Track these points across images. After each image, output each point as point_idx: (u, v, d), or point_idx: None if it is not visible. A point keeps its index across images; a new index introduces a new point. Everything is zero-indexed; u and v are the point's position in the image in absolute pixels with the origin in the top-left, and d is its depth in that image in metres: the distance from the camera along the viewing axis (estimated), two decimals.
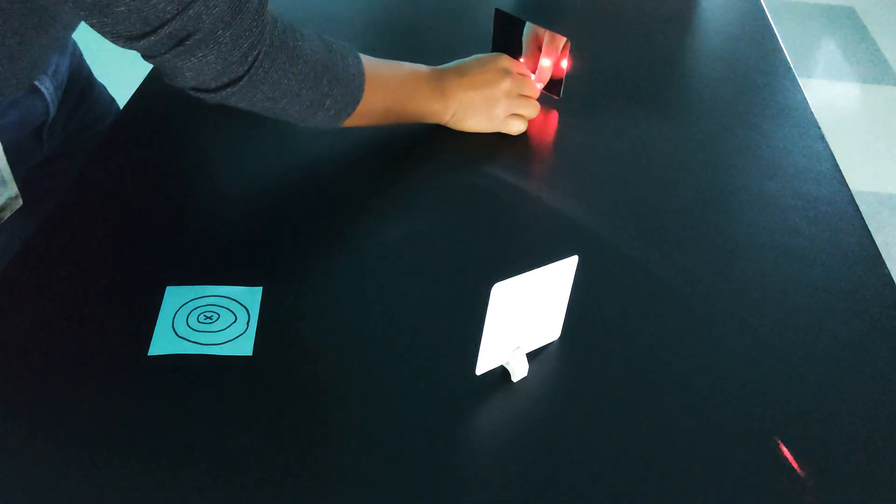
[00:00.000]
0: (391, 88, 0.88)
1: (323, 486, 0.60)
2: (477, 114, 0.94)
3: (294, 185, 0.88)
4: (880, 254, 0.82)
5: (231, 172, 0.91)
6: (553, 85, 0.99)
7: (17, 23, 0.73)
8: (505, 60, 0.96)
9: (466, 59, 0.96)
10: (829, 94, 2.89)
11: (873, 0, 3.49)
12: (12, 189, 0.80)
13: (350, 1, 1.24)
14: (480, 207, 0.86)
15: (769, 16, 1.25)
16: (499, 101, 0.94)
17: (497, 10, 0.98)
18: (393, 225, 0.83)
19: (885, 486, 0.62)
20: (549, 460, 0.63)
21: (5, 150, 0.79)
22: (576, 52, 0.94)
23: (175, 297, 0.73)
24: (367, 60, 0.84)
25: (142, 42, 0.67)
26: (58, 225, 0.82)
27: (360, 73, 0.82)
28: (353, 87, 0.81)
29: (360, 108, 0.84)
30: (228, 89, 0.72)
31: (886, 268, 0.81)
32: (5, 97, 0.82)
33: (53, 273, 0.76)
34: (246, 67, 0.71)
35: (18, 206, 0.82)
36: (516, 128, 0.95)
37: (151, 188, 0.88)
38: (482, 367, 0.67)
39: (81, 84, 1.02)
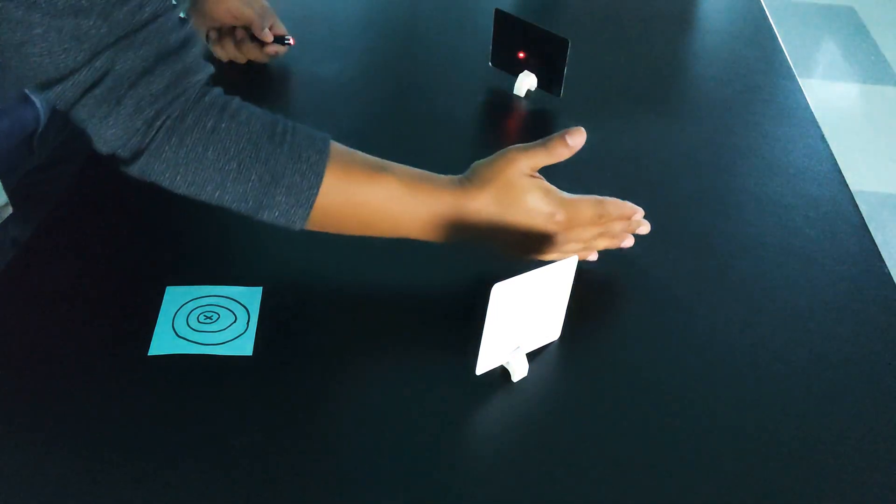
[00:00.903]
0: (367, 198, 0.69)
1: (323, 485, 0.60)
2: (506, 249, 0.74)
3: None
4: (880, 254, 0.82)
5: None
6: (553, 84, 0.99)
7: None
8: (556, 226, 0.73)
9: (504, 202, 0.71)
10: (829, 94, 2.89)
11: (873, 0, 3.49)
12: (1, 197, 0.80)
13: (350, 1, 1.24)
14: None
15: (769, 16, 1.25)
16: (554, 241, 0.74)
17: (497, 9, 0.98)
18: None
19: (885, 487, 0.62)
20: (549, 460, 0.63)
21: None
22: (576, 52, 0.94)
23: (175, 297, 0.73)
24: (347, 158, 0.69)
25: (50, 91, 0.62)
26: (57, 225, 0.82)
27: (315, 173, 0.67)
28: (302, 186, 0.67)
29: (327, 216, 0.69)
30: (137, 163, 0.65)
31: (886, 268, 0.81)
32: None
33: (53, 273, 0.76)
34: (147, 139, 0.64)
35: (8, 215, 0.82)
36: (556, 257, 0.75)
37: (152, 188, 0.87)
38: (482, 367, 0.67)
39: None
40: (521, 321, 0.67)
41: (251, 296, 0.74)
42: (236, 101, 0.68)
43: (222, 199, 0.68)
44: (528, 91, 1.02)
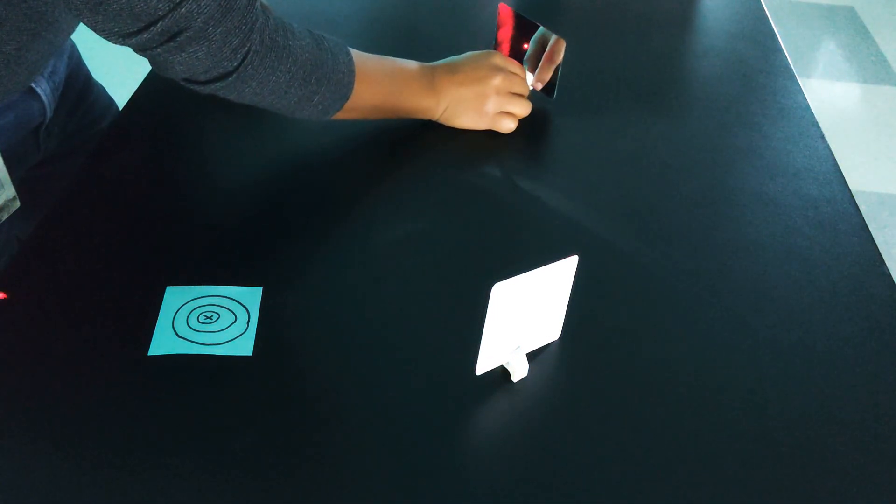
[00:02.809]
0: (382, 85, 0.89)
1: (323, 485, 0.60)
2: (468, 110, 0.94)
3: (294, 186, 0.88)
4: (880, 254, 0.82)
5: (231, 172, 0.91)
6: (547, 86, 0.99)
7: (14, 29, 0.73)
8: (497, 58, 0.96)
9: (459, 55, 0.97)
10: (829, 94, 2.89)
11: (873, 0, 3.49)
12: (10, 190, 0.80)
13: None
14: (480, 207, 0.86)
15: (769, 16, 1.25)
16: (489, 97, 0.94)
17: (502, 5, 0.98)
18: (393, 225, 0.83)
19: (885, 486, 0.62)
20: (549, 460, 0.63)
21: (2, 152, 0.79)
22: (576, 51, 0.94)
23: (175, 297, 0.73)
24: (358, 57, 0.85)
25: (134, 39, 0.68)
26: (57, 225, 0.82)
27: (349, 72, 0.83)
28: (342, 85, 0.82)
29: (350, 104, 0.85)
30: (218, 83, 0.73)
31: (886, 268, 0.81)
32: (1, 101, 0.82)
33: (53, 273, 0.76)
34: (235, 64, 0.72)
35: (16, 208, 0.82)
36: (506, 126, 0.95)
37: (151, 188, 0.88)
38: (482, 367, 0.67)
39: (79, 85, 1.02)
40: (521, 321, 0.67)
41: (251, 296, 0.74)
42: (285, 19, 0.77)
43: (274, 104, 0.80)
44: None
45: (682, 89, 1.09)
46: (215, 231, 0.82)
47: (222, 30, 0.69)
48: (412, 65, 0.92)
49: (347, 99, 0.84)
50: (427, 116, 0.95)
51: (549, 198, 0.88)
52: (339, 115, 0.86)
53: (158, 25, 0.66)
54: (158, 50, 0.69)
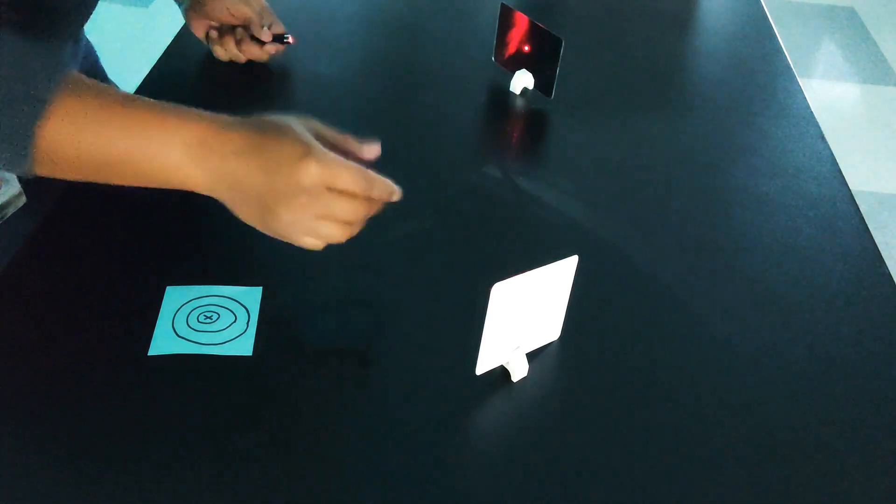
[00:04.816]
0: (111, 130, 0.63)
1: (323, 485, 0.60)
2: (251, 214, 0.67)
3: None
4: (880, 254, 0.82)
5: None
6: (545, 86, 0.99)
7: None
8: (315, 167, 0.62)
9: (268, 128, 0.64)
10: (829, 94, 2.89)
11: (873, 0, 3.49)
12: (15, 186, 0.80)
13: None
14: (480, 207, 0.86)
15: (769, 16, 1.25)
16: (297, 225, 0.65)
17: (503, 5, 0.98)
18: (393, 225, 0.83)
19: (885, 486, 0.62)
20: (549, 460, 0.63)
21: None
22: (576, 51, 0.94)
23: (175, 297, 0.73)
24: (81, 89, 0.63)
25: None
26: (58, 224, 0.82)
27: (33, 106, 0.60)
28: (15, 122, 0.60)
29: (49, 151, 0.61)
30: None
31: (886, 268, 0.81)
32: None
33: (53, 273, 0.76)
34: None
35: (21, 204, 0.82)
36: (309, 244, 0.67)
37: (152, 188, 0.88)
38: (482, 367, 0.67)
39: None
40: (521, 321, 0.67)
41: (251, 296, 0.74)
42: None
43: None
44: (525, 89, 1.02)
45: (682, 89, 1.09)
46: (215, 231, 0.82)
47: None
48: (189, 114, 0.65)
49: (28, 144, 0.60)
50: (190, 189, 0.67)
51: (549, 198, 0.88)
52: (47, 171, 0.63)
53: None
54: None
